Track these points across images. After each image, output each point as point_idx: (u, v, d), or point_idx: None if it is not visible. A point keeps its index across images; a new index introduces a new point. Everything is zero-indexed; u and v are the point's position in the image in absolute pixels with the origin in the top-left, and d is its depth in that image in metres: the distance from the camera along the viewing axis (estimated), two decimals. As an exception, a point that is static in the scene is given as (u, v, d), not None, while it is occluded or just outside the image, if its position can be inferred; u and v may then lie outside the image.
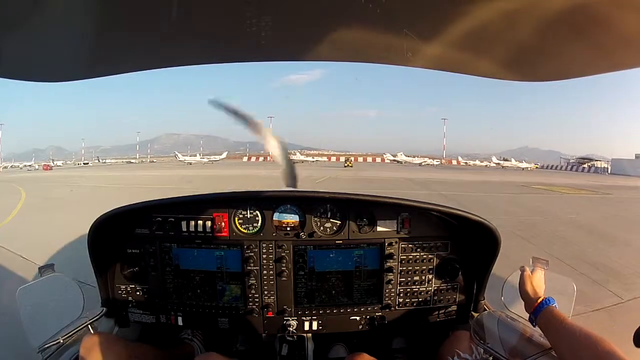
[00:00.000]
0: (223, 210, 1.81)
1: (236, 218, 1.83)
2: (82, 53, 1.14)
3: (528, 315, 1.46)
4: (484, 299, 1.93)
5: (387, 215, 1.85)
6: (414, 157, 75.00)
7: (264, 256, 1.81)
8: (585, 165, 71.27)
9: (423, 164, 67.16)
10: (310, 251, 1.83)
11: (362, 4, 0.88)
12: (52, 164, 63.38)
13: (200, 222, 1.80)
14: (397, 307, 1.88)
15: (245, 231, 1.83)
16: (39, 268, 1.59)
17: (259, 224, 1.83)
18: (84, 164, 71.82)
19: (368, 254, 1.86)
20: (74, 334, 1.58)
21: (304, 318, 1.85)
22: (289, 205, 1.84)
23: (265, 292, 1.82)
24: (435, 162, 73.20)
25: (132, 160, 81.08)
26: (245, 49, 1.22)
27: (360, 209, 1.85)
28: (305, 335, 1.88)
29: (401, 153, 73.67)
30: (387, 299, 1.87)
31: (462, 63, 1.28)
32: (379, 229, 1.84)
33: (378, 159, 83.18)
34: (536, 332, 1.44)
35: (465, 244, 1.89)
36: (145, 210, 1.81)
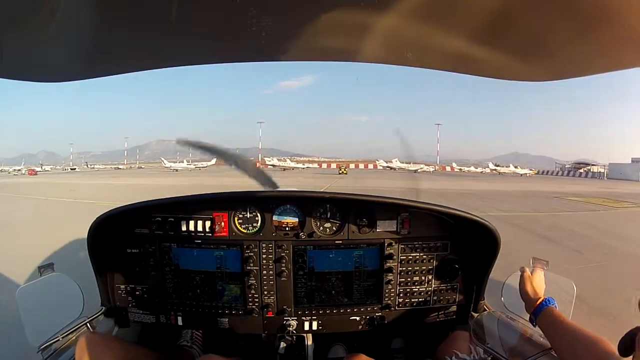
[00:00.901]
0: (223, 210, 1.80)
1: (236, 218, 1.82)
2: (82, 53, 1.13)
3: (528, 315, 1.45)
4: (483, 300, 1.92)
5: (387, 215, 1.84)
6: (409, 163, 73.06)
7: (264, 256, 1.80)
8: (582, 170, 70.57)
9: (419, 170, 65.40)
10: (310, 251, 1.82)
11: (361, 3, 0.87)
12: (39, 169, 62.82)
13: (200, 222, 1.79)
14: (396, 307, 1.87)
15: (245, 231, 1.82)
16: (38, 267, 1.56)
17: (259, 224, 1.82)
18: (71, 169, 70.74)
19: (368, 254, 1.85)
20: (73, 333, 1.59)
21: (303, 318, 1.84)
22: (288, 206, 1.83)
23: (265, 292, 1.81)
24: (430, 169, 71.30)
25: (120, 166, 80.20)
26: (244, 48, 1.21)
27: (360, 209, 1.83)
28: (305, 335, 1.86)
29: (396, 159, 71.89)
30: (386, 299, 1.86)
31: (461, 63, 1.26)
32: (378, 229, 1.83)
33: (370, 165, 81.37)
34: (536, 333, 1.43)
35: (465, 244, 1.88)
36: (145, 210, 1.80)
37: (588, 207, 15.86)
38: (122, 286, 1.85)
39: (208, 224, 1.79)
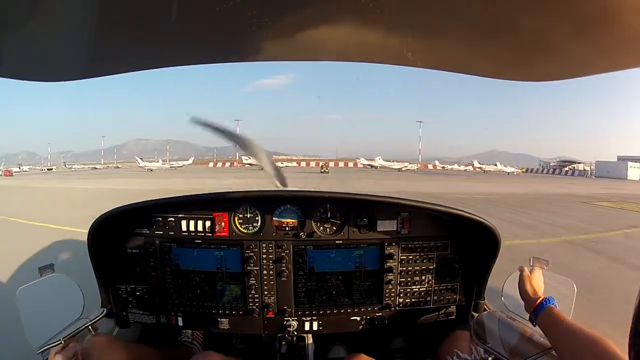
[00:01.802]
0: (223, 210, 1.80)
1: (236, 218, 1.82)
2: (82, 53, 1.13)
3: (528, 315, 1.45)
4: (483, 299, 1.92)
5: (387, 215, 1.84)
6: (392, 161, 69.42)
7: (264, 256, 1.80)
8: (567, 168, 68.94)
9: (403, 169, 61.93)
10: (310, 251, 1.82)
11: (360, 3, 0.87)
12: (17, 169, 62.18)
13: (200, 222, 1.79)
14: (397, 307, 1.88)
15: (245, 231, 1.82)
16: (39, 268, 1.56)
17: (259, 224, 1.82)
18: (48, 169, 69.68)
19: (368, 254, 1.85)
20: (74, 334, 1.58)
21: (304, 318, 1.84)
22: (288, 206, 1.83)
23: (265, 292, 1.81)
24: (414, 167, 67.75)
25: (97, 166, 79.37)
26: (243, 48, 1.21)
27: (360, 209, 1.84)
28: (305, 335, 1.87)
29: (379, 157, 68.24)
30: (387, 299, 1.86)
31: (461, 63, 1.26)
32: (379, 229, 1.83)
33: (350, 164, 77.64)
34: (536, 332, 1.43)
35: (465, 244, 1.88)
36: (145, 210, 1.80)
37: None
38: (123, 287, 1.84)
39: (208, 224, 1.79)
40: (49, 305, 1.63)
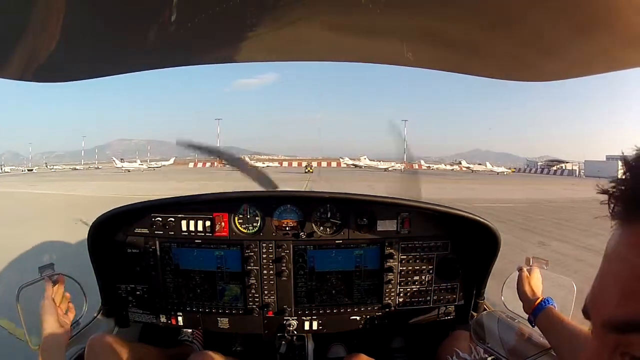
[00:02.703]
0: (223, 210, 1.80)
1: (236, 218, 1.82)
2: (82, 53, 1.13)
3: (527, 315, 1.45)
4: (483, 299, 1.92)
5: (387, 215, 1.83)
6: (379, 161, 66.15)
7: (264, 256, 1.80)
8: (555, 168, 67.46)
9: (390, 169, 58.70)
10: (310, 251, 1.82)
11: (359, 2, 0.88)
12: None
13: (200, 222, 1.79)
14: (397, 307, 1.87)
15: (245, 231, 1.82)
16: (39, 268, 1.55)
17: (259, 224, 1.82)
18: (29, 170, 68.11)
19: (368, 254, 1.85)
20: (74, 334, 1.58)
21: (304, 318, 1.84)
22: (288, 205, 1.83)
23: (265, 292, 1.81)
24: (401, 167, 64.69)
25: (77, 167, 77.78)
26: (242, 48, 1.20)
27: (360, 208, 1.83)
28: (305, 335, 1.87)
29: (364, 157, 65.11)
30: (387, 298, 1.86)
31: (461, 63, 1.26)
32: (378, 228, 1.83)
33: (334, 164, 74.27)
34: (536, 332, 1.42)
35: (465, 244, 1.88)
36: (145, 210, 1.81)
37: None
38: (122, 286, 1.84)
39: (208, 223, 1.79)
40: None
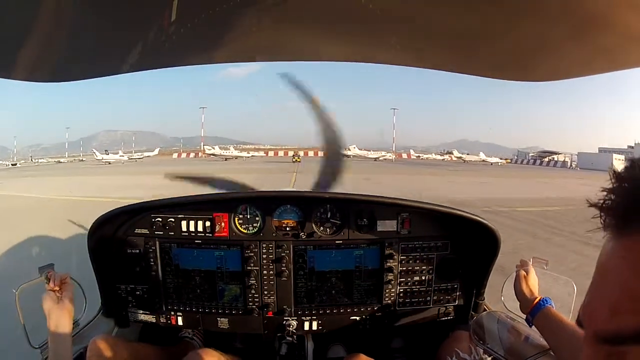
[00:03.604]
0: (223, 211, 1.80)
1: (236, 218, 1.82)
2: (82, 53, 1.14)
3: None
4: (483, 299, 1.92)
5: (387, 215, 1.84)
6: (369, 150, 63.54)
7: (264, 256, 1.80)
8: (546, 159, 66.16)
9: (380, 158, 56.27)
10: (310, 251, 1.82)
11: (359, 2, 0.88)
12: None
13: (200, 222, 1.79)
14: (396, 307, 1.88)
15: (245, 231, 1.82)
16: (39, 268, 1.56)
17: (259, 224, 1.83)
18: (12, 164, 65.02)
19: (368, 254, 1.85)
20: (74, 334, 1.59)
21: (303, 318, 1.84)
22: (288, 206, 1.83)
23: (265, 292, 1.82)
24: (392, 157, 62.17)
25: (62, 160, 74.95)
26: (242, 48, 1.21)
27: (360, 209, 1.84)
28: (304, 335, 1.88)
29: (354, 146, 62.23)
30: (387, 299, 1.86)
31: (461, 63, 1.26)
32: (378, 229, 1.83)
33: (321, 153, 70.97)
34: (535, 333, 1.42)
35: (465, 244, 1.88)
36: (145, 210, 1.81)
37: None
38: (122, 286, 1.85)
39: (208, 224, 1.79)
40: None
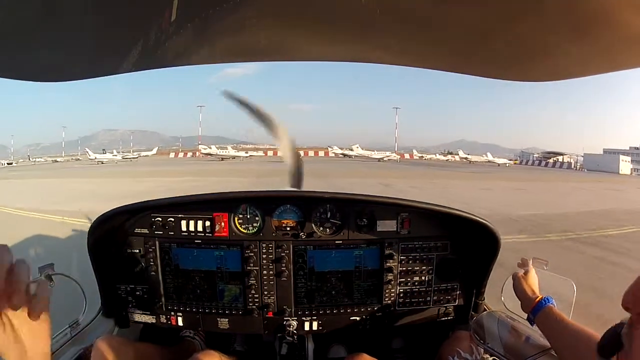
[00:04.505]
0: (223, 211, 1.80)
1: (236, 218, 1.82)
2: (82, 53, 1.13)
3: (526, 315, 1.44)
4: (484, 299, 1.91)
5: (387, 215, 1.83)
6: (373, 150, 62.11)
7: (264, 256, 1.80)
8: (551, 160, 65.46)
9: (385, 159, 54.85)
10: (310, 251, 1.81)
11: (359, 2, 0.88)
12: None
13: (200, 222, 1.79)
14: (397, 307, 1.87)
15: (245, 231, 1.82)
16: (38, 268, 1.54)
17: (259, 224, 1.82)
18: (8, 163, 64.58)
19: (368, 254, 1.84)
20: (75, 334, 1.59)
21: (303, 318, 1.83)
22: (288, 206, 1.82)
23: (265, 292, 1.81)
24: (396, 157, 60.71)
25: (59, 159, 74.77)
26: (243, 49, 1.21)
27: (359, 209, 1.83)
28: (305, 335, 1.87)
29: (357, 145, 60.79)
30: (387, 299, 1.85)
31: (461, 63, 1.25)
32: (378, 229, 1.83)
33: (321, 153, 70.27)
34: (536, 332, 1.42)
35: (465, 244, 1.87)
36: (145, 210, 1.80)
37: None
38: (122, 287, 1.84)
39: (208, 224, 1.79)
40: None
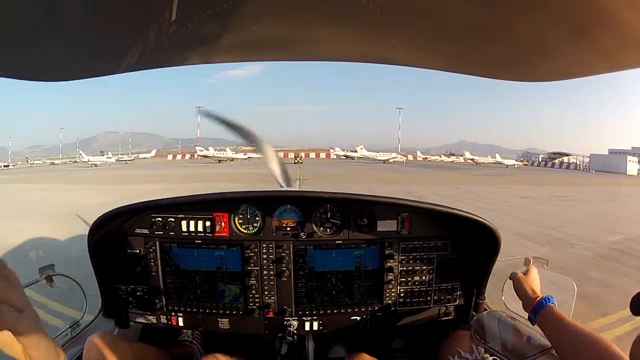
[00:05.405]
0: (223, 211, 1.79)
1: (236, 218, 1.80)
2: (82, 53, 1.13)
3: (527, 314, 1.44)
4: (484, 299, 1.90)
5: (387, 215, 1.82)
6: (377, 152, 60.97)
7: (264, 256, 1.78)
8: (556, 161, 64.81)
9: (390, 160, 53.76)
10: (310, 251, 1.80)
11: (359, 2, 0.87)
12: None
13: (200, 222, 1.78)
14: (397, 307, 1.86)
15: (245, 231, 1.81)
16: (39, 268, 1.53)
17: (259, 224, 1.81)
18: (5, 166, 63.64)
19: (368, 254, 1.83)
20: (74, 334, 1.58)
21: (304, 318, 1.82)
22: (288, 206, 1.81)
23: (266, 293, 1.80)
24: (402, 159, 59.56)
25: (56, 161, 75.09)
26: (243, 48, 1.20)
27: (360, 209, 1.82)
28: (305, 335, 1.86)
29: (361, 146, 59.57)
30: (387, 298, 1.84)
31: (461, 63, 1.26)
32: (379, 228, 1.81)
33: (322, 155, 69.40)
34: (537, 332, 1.41)
35: (465, 244, 1.86)
36: (145, 210, 1.79)
37: None
38: (123, 287, 1.83)
39: (208, 224, 1.77)
40: (49, 304, 1.58)
